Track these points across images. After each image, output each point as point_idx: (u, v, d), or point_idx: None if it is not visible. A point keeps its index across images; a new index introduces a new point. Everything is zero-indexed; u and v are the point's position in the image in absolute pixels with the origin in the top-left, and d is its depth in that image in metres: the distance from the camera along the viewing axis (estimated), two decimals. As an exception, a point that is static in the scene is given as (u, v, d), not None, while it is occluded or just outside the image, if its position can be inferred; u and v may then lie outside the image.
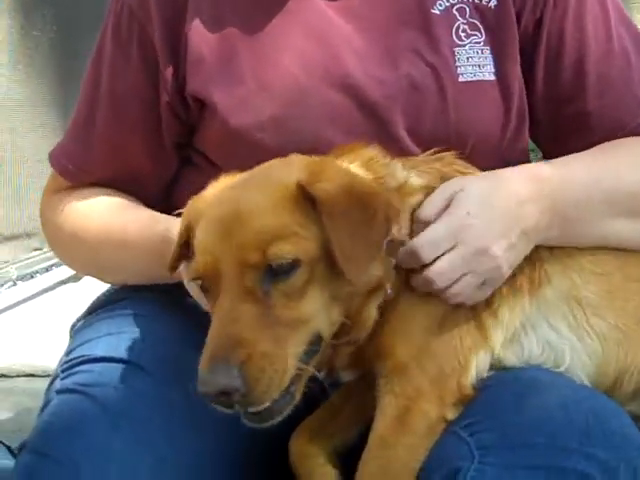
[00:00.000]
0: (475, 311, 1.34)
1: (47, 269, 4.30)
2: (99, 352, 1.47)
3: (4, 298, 3.80)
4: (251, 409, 1.16)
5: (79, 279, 4.59)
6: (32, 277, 4.14)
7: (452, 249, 1.32)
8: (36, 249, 4.20)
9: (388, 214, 1.23)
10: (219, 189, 1.32)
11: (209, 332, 1.17)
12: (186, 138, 1.62)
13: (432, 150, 1.48)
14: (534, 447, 1.22)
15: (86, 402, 1.37)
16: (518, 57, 1.57)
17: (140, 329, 1.52)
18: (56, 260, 4.35)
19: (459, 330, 1.33)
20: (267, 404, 1.16)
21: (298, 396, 1.21)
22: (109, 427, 1.32)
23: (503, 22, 1.56)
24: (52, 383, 1.50)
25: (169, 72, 1.55)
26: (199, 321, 1.51)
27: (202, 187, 1.56)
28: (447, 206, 1.35)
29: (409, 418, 1.27)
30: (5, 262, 3.87)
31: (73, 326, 1.72)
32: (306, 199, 1.20)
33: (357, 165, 1.34)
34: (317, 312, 1.21)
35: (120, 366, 1.43)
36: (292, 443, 1.40)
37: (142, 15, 1.55)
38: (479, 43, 1.55)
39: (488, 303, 1.35)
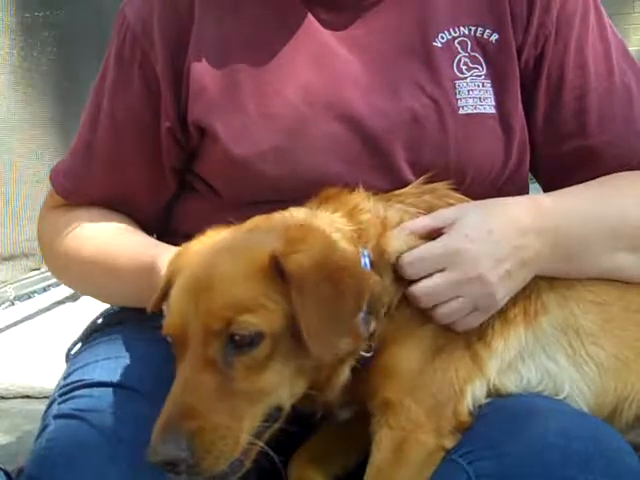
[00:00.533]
0: (469, 342, 1.34)
1: (45, 289, 4.30)
2: (97, 377, 1.46)
3: (2, 318, 3.79)
4: (197, 478, 1.16)
5: (77, 299, 4.59)
6: (30, 297, 4.14)
7: (442, 270, 1.32)
8: (34, 269, 4.19)
9: (360, 291, 1.22)
10: (202, 246, 1.31)
11: (167, 398, 1.18)
12: (185, 164, 1.62)
13: (423, 178, 1.48)
14: (532, 476, 1.21)
15: (84, 428, 1.36)
16: (519, 92, 1.58)
17: (138, 353, 1.51)
18: (54, 280, 4.35)
19: (453, 361, 1.33)
20: (215, 473, 1.16)
21: (248, 465, 1.20)
22: (107, 455, 1.32)
23: (504, 56, 1.57)
24: (49, 407, 1.49)
25: (170, 99, 1.56)
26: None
27: (203, 212, 1.60)
28: (443, 227, 1.36)
29: (406, 449, 1.27)
30: (3, 282, 3.87)
31: (69, 350, 1.71)
32: (278, 271, 1.20)
33: (340, 215, 1.35)
34: (278, 385, 1.21)
35: (118, 391, 1.42)
36: (291, 467, 1.40)
37: (145, 41, 1.57)
38: (480, 76, 1.56)
39: (481, 334, 1.35)
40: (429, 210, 1.42)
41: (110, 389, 1.43)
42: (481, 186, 1.54)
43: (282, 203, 1.51)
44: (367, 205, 1.38)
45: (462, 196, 1.48)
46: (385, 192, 1.49)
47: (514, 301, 1.37)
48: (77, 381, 1.48)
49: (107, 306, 1.74)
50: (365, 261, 1.32)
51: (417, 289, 1.31)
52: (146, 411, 1.37)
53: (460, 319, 1.33)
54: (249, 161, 1.51)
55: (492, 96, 1.56)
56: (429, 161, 1.53)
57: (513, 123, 1.56)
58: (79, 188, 1.67)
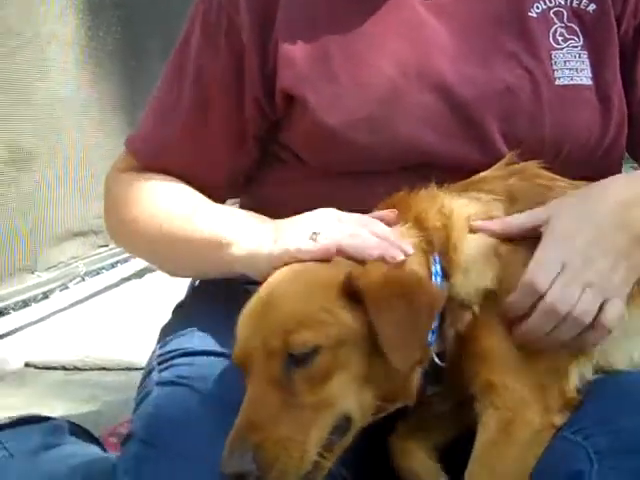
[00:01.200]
0: None
1: (112, 265, 4.38)
2: (196, 345, 1.47)
3: (73, 293, 3.87)
4: None
5: (142, 276, 4.67)
6: (98, 273, 4.21)
7: (562, 271, 1.29)
8: (102, 246, 4.26)
9: (432, 304, 1.24)
10: (270, 277, 1.32)
11: (237, 418, 1.21)
12: (268, 132, 1.61)
13: (505, 160, 1.45)
14: None
15: (191, 395, 1.37)
16: (618, 63, 1.56)
17: (235, 323, 1.48)
18: (122, 257, 4.44)
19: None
20: None
21: None
22: (214, 420, 1.31)
23: (602, 27, 1.55)
24: (149, 375, 1.50)
25: (257, 68, 1.54)
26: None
27: (289, 182, 1.59)
28: (536, 227, 1.34)
29: (513, 429, 1.25)
30: (74, 258, 3.93)
31: (173, 312, 1.71)
32: (349, 290, 1.22)
33: (408, 225, 1.35)
34: (342, 395, 1.21)
35: (220, 360, 1.43)
36: (392, 441, 1.41)
37: (231, 8, 1.56)
38: (576, 47, 1.55)
39: None
40: (510, 196, 1.39)
41: (212, 358, 1.44)
42: (577, 161, 1.52)
43: (371, 174, 1.53)
44: (433, 207, 1.36)
45: (554, 175, 1.45)
46: (480, 165, 1.47)
47: None
48: (176, 350, 1.49)
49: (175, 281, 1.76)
50: (436, 268, 1.32)
51: (550, 296, 1.28)
52: None
53: (594, 313, 1.28)
54: (341, 130, 1.50)
55: (589, 67, 1.54)
56: (523, 133, 1.51)
57: (611, 95, 1.54)
58: (158, 154, 1.63)
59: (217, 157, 1.62)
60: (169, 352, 1.50)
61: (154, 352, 1.58)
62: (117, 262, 4.42)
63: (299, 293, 1.24)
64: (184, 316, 1.63)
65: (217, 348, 1.46)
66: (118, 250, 4.41)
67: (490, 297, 1.31)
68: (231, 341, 1.42)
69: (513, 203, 1.39)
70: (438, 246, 1.33)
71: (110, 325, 3.68)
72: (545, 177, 1.44)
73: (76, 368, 3.12)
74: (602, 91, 1.54)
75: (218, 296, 1.61)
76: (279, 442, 1.15)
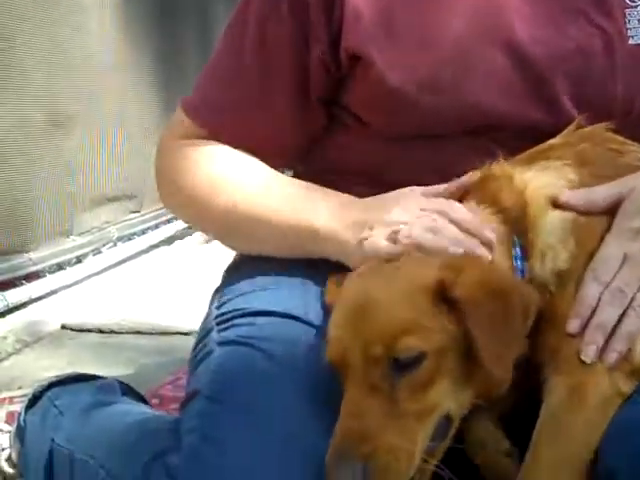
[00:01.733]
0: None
1: (143, 232, 4.40)
2: (257, 305, 1.46)
3: (106, 258, 3.90)
4: None
5: (171, 243, 4.71)
6: (130, 239, 4.24)
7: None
8: (133, 211, 4.29)
9: (527, 308, 1.23)
10: (357, 275, 1.32)
11: (337, 425, 1.18)
12: (332, 94, 1.58)
13: (573, 126, 1.43)
14: None
15: (256, 354, 1.36)
16: None
17: (297, 284, 1.51)
18: (152, 223, 4.47)
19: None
20: None
21: None
22: (281, 379, 1.31)
23: None
24: (207, 335, 1.49)
25: (322, 25, 1.51)
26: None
27: (351, 147, 1.57)
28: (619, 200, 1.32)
29: (582, 393, 1.24)
30: (107, 222, 3.95)
31: (225, 273, 1.70)
32: (442, 296, 1.20)
33: (484, 207, 1.33)
34: (444, 400, 1.20)
35: (283, 320, 1.42)
36: None
37: None
38: None
39: None
40: (580, 161, 1.38)
41: (274, 318, 1.43)
42: None
43: (436, 138, 1.51)
44: (506, 183, 1.35)
45: (624, 139, 1.43)
46: (548, 127, 1.46)
47: None
48: (235, 310, 1.48)
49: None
50: (517, 251, 1.32)
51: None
52: (315, 341, 1.38)
53: None
54: (405, 90, 1.47)
55: None
56: (593, 94, 1.50)
57: None
58: (222, 117, 1.59)
59: (283, 124, 1.60)
60: (228, 312, 1.49)
61: (210, 313, 1.58)
62: (148, 228, 4.44)
63: (398, 298, 1.21)
64: (240, 277, 1.61)
65: (277, 308, 1.45)
66: (149, 216, 4.44)
67: (565, 274, 1.31)
68: (291, 301, 1.45)
69: (584, 168, 1.37)
70: (516, 226, 1.32)
71: (142, 290, 3.72)
72: (615, 141, 1.43)
73: (112, 331, 3.15)
74: None
75: (279, 259, 1.59)
76: (390, 452, 1.13)
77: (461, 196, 1.39)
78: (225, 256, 1.78)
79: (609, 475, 1.18)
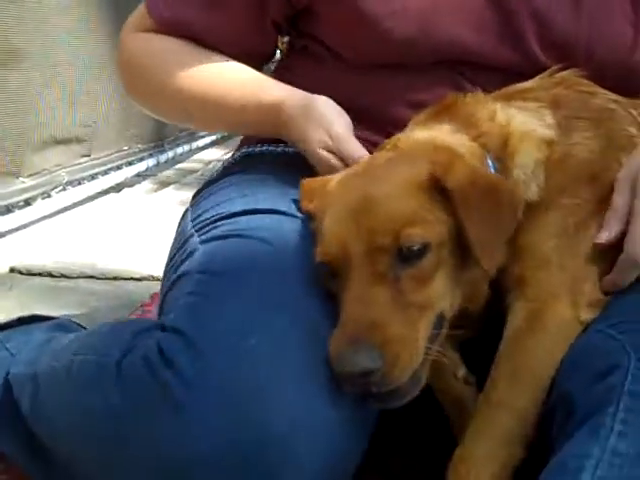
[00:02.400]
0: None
1: (93, 177, 4.31)
2: (239, 207, 1.43)
3: (55, 202, 3.81)
4: (386, 389, 1.15)
5: (120, 190, 4.62)
6: (80, 183, 4.15)
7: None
8: (84, 155, 4.19)
9: (514, 202, 1.25)
10: (345, 178, 1.32)
11: (342, 314, 1.18)
12: (288, 22, 1.61)
13: (548, 72, 1.46)
14: None
15: (246, 240, 1.32)
16: None
17: (277, 190, 1.48)
18: (102, 168, 4.38)
19: (587, 240, 1.32)
20: (400, 384, 1.16)
21: (424, 379, 1.22)
22: (278, 256, 1.29)
23: None
24: (186, 243, 1.44)
25: None
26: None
27: (322, 77, 1.57)
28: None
29: (542, 318, 1.27)
30: (57, 165, 3.85)
31: (194, 196, 1.68)
32: (436, 189, 1.21)
33: (461, 131, 1.34)
34: (443, 294, 1.23)
35: (268, 215, 1.40)
36: None
37: None
38: None
39: None
40: (554, 103, 1.40)
41: (259, 215, 1.40)
42: (607, 69, 1.51)
43: (407, 68, 1.51)
44: (485, 112, 1.37)
45: (592, 83, 1.46)
46: (513, 65, 1.49)
47: None
48: (215, 215, 1.45)
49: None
50: (491, 171, 1.32)
51: None
52: (304, 230, 1.36)
53: None
54: (377, 19, 1.47)
55: None
56: (558, 36, 1.50)
57: None
58: (178, 19, 1.61)
59: (234, 30, 1.60)
60: (207, 218, 1.46)
61: (184, 226, 1.53)
62: (97, 174, 4.35)
63: (398, 192, 1.22)
64: (216, 190, 1.59)
65: (260, 206, 1.42)
66: (99, 161, 4.34)
67: (533, 206, 1.32)
68: (273, 200, 1.42)
69: (559, 110, 1.40)
70: (494, 152, 1.34)
71: (92, 236, 3.64)
72: (586, 85, 1.45)
73: (63, 275, 3.07)
74: (637, 3, 1.53)
75: (255, 171, 1.59)
76: (400, 341, 1.14)
77: (440, 116, 1.39)
78: (173, 204, 1.74)
79: (564, 397, 1.19)
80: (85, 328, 1.86)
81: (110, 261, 3.25)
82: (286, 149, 1.60)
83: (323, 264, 1.24)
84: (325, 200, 1.29)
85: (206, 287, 1.25)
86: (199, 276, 1.29)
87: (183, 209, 1.71)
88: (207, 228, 1.42)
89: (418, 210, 1.20)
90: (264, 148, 1.65)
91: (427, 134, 1.35)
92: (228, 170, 1.67)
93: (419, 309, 1.19)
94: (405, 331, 1.16)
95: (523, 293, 1.30)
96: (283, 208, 1.42)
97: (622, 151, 1.38)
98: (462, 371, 1.39)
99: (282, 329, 1.18)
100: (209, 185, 1.65)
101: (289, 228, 1.37)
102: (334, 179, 1.33)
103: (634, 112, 1.44)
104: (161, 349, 1.16)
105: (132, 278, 3.05)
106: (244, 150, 1.70)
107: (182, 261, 1.40)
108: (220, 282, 1.24)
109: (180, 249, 1.46)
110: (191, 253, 1.38)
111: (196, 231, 1.44)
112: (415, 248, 1.18)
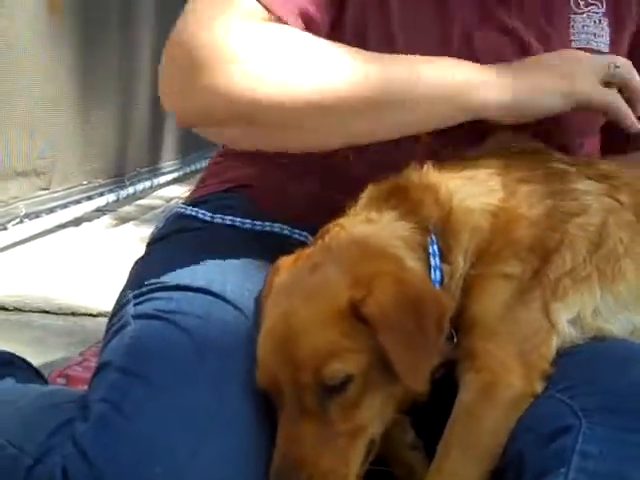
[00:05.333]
0: (544, 294, 1.32)
1: (51, 210, 4.27)
2: (176, 280, 1.43)
3: (12, 234, 3.75)
4: None
5: (79, 224, 4.58)
6: (37, 216, 4.10)
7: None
8: (43, 188, 4.14)
9: (441, 316, 1.24)
10: (280, 282, 1.31)
11: (274, 450, 1.19)
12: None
13: (495, 136, 1.47)
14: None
15: (170, 328, 1.33)
16: (630, 36, 1.60)
17: (217, 260, 1.48)
18: (61, 202, 4.34)
19: (533, 311, 1.31)
20: None
21: None
22: (197, 356, 1.29)
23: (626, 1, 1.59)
24: (123, 308, 1.45)
25: None
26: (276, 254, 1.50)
27: None
28: None
29: (494, 391, 1.26)
30: (15, 198, 3.80)
31: (148, 244, 1.66)
32: (355, 315, 1.20)
33: (399, 215, 1.33)
34: (374, 417, 1.23)
35: (200, 295, 1.39)
36: None
37: None
38: (597, 13, 1.57)
39: (554, 288, 1.32)
40: (505, 169, 1.39)
41: (191, 293, 1.40)
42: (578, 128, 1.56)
43: None
44: (429, 193, 1.35)
45: (545, 147, 1.48)
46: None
47: (588, 258, 1.35)
48: (154, 283, 1.44)
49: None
50: (434, 249, 1.32)
51: None
52: (231, 317, 1.37)
53: None
54: None
55: (607, 35, 1.57)
56: None
57: None
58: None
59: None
60: (146, 285, 1.45)
61: (128, 285, 1.53)
62: (56, 207, 4.31)
63: (317, 320, 1.21)
64: (161, 250, 1.58)
65: (195, 283, 1.42)
66: (58, 194, 4.30)
67: (477, 278, 1.32)
68: (210, 276, 1.42)
69: (507, 174, 1.39)
70: (436, 229, 1.33)
71: (48, 270, 3.59)
72: (541, 149, 1.48)
73: (17, 309, 3.02)
74: None
75: (199, 232, 1.58)
76: (326, 475, 1.16)
77: (384, 199, 1.36)
78: (132, 241, 1.72)
79: (516, 457, 1.21)
80: (31, 365, 1.85)
81: (66, 296, 3.21)
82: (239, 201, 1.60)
83: (261, 390, 1.25)
84: (264, 309, 1.31)
85: (121, 396, 1.25)
86: (117, 376, 1.29)
87: (143, 246, 1.70)
88: (143, 298, 1.43)
89: (339, 340, 1.19)
90: (227, 196, 1.63)
91: (363, 230, 1.33)
92: (181, 224, 1.64)
93: (349, 438, 1.19)
94: (335, 464, 1.17)
95: (473, 365, 1.28)
96: (216, 288, 1.41)
97: (571, 216, 1.37)
98: (410, 437, 1.39)
99: (187, 456, 1.18)
100: (161, 238, 1.63)
101: (216, 318, 1.36)
102: (274, 287, 1.32)
103: (590, 173, 1.43)
104: (66, 471, 1.19)
105: (88, 314, 3.01)
106: (203, 196, 1.68)
107: (116, 332, 1.40)
108: (135, 391, 1.25)
109: (119, 311, 1.46)
110: (124, 326, 1.39)
111: (134, 297, 1.44)
112: (337, 383, 1.18)
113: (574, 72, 1.45)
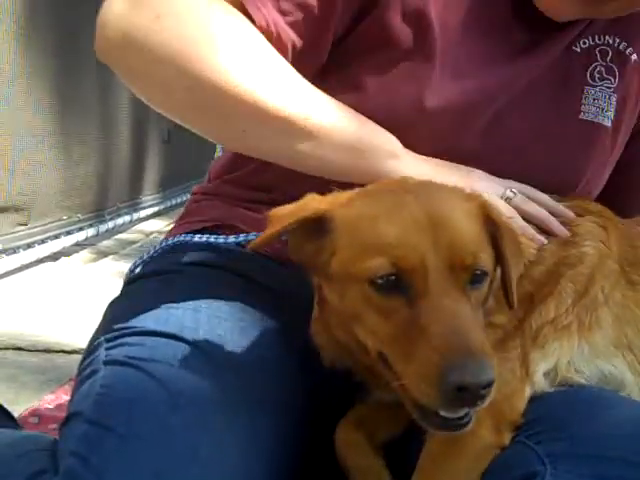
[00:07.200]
0: (524, 343, 1.34)
1: (29, 245, 4.26)
2: (148, 325, 1.42)
3: (-12, 270, 3.75)
4: (483, 403, 1.11)
5: (57, 259, 4.56)
6: (15, 252, 4.09)
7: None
8: (21, 224, 4.14)
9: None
10: (373, 194, 1.27)
11: (431, 325, 1.11)
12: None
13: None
14: (606, 460, 1.19)
15: (141, 377, 1.32)
16: (635, 115, 1.67)
17: (190, 305, 1.48)
18: (38, 237, 4.33)
19: (509, 361, 1.32)
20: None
21: None
22: (169, 405, 1.27)
23: (637, 78, 1.64)
24: (95, 351, 1.44)
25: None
26: (252, 300, 1.52)
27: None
28: None
29: (463, 442, 1.25)
30: (-8, 233, 3.80)
31: (125, 283, 1.66)
32: (484, 220, 1.23)
33: None
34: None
35: (172, 342, 1.39)
36: (338, 431, 1.40)
37: None
38: (610, 88, 1.61)
39: (535, 336, 1.35)
40: None
41: (163, 339, 1.39)
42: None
43: None
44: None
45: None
46: None
47: (571, 308, 1.37)
48: (126, 327, 1.44)
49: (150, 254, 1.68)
50: None
51: None
52: (201, 365, 1.36)
53: None
54: None
55: (613, 110, 1.62)
56: None
57: (620, 141, 1.65)
58: None
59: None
60: (119, 329, 1.45)
61: (101, 326, 1.52)
62: (34, 242, 4.30)
63: (465, 216, 1.21)
64: (136, 293, 1.57)
65: (167, 329, 1.41)
66: (37, 230, 4.29)
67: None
68: (183, 321, 1.42)
69: None
70: None
71: (24, 306, 3.58)
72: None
73: (-9, 347, 3.01)
74: (615, 136, 1.64)
75: (174, 275, 1.58)
76: (491, 355, 1.11)
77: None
78: (110, 276, 1.72)
79: None
80: (1, 406, 1.83)
81: (41, 332, 3.19)
82: (226, 240, 1.60)
83: (387, 275, 1.16)
84: (353, 212, 1.23)
85: (89, 449, 1.23)
86: (86, 428, 1.27)
87: (121, 280, 1.70)
88: (115, 342, 1.42)
89: (483, 238, 1.21)
90: (203, 239, 1.63)
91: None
92: (157, 264, 1.65)
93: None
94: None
95: None
96: (189, 335, 1.40)
97: (568, 268, 1.39)
98: (386, 477, 1.38)
99: None
100: (138, 278, 1.63)
101: (189, 365, 1.35)
102: (341, 197, 1.27)
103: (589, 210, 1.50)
104: None
105: (62, 351, 2.99)
106: (178, 239, 1.67)
107: (86, 377, 1.39)
108: (104, 444, 1.23)
109: (91, 355, 1.45)
110: (94, 372, 1.37)
111: (106, 341, 1.43)
112: (483, 272, 1.18)
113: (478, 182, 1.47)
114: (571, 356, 1.35)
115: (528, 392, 1.31)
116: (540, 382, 1.33)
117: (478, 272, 1.17)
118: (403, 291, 1.15)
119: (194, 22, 1.37)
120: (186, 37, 1.36)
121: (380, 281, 1.16)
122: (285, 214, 1.26)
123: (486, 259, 1.19)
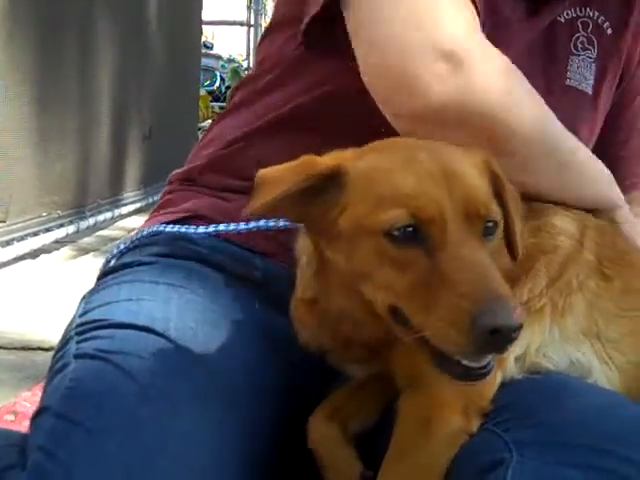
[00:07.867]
0: None
1: (8, 243, 4.23)
2: (119, 317, 1.41)
3: (-34, 268, 3.72)
4: (509, 347, 1.10)
5: (37, 257, 4.54)
6: (-7, 249, 4.08)
7: None
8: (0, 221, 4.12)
9: None
10: (384, 149, 1.26)
11: (465, 273, 1.11)
12: None
13: None
14: (572, 446, 1.18)
15: (110, 370, 1.31)
16: (613, 88, 1.73)
17: (161, 297, 1.47)
18: (18, 234, 4.30)
19: None
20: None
21: None
22: (139, 397, 1.26)
23: (614, 49, 1.72)
24: (66, 345, 1.43)
25: None
26: (223, 290, 1.51)
27: None
28: None
29: (432, 426, 1.25)
30: (-31, 231, 3.77)
31: (98, 278, 1.64)
32: (491, 176, 1.24)
33: None
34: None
35: (143, 334, 1.38)
36: (311, 422, 1.39)
37: None
38: (590, 58, 1.69)
39: None
40: None
41: (134, 331, 1.38)
42: None
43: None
44: None
45: None
46: None
47: (545, 290, 1.36)
48: (97, 320, 1.43)
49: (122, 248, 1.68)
50: None
51: None
52: (172, 357, 1.35)
53: None
54: None
55: (592, 79, 1.69)
56: None
57: (602, 108, 1.71)
58: None
59: None
60: (90, 322, 1.44)
61: (73, 320, 1.51)
62: (13, 240, 4.28)
63: (473, 169, 1.22)
64: (109, 285, 1.56)
65: (139, 321, 1.40)
66: (16, 227, 4.27)
67: None
68: (155, 313, 1.41)
69: None
70: None
71: (2, 304, 3.56)
72: None
73: (-34, 344, 2.99)
74: (595, 104, 1.70)
75: (145, 266, 1.56)
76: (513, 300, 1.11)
77: None
78: (91, 273, 1.69)
79: None
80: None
81: (19, 330, 3.18)
82: (197, 231, 1.59)
83: (405, 226, 1.15)
84: (367, 165, 1.22)
85: (57, 443, 1.22)
86: (54, 422, 1.26)
87: (102, 278, 1.68)
88: (86, 335, 1.41)
89: (490, 190, 1.22)
90: (175, 230, 1.62)
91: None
92: (129, 256, 1.63)
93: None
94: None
95: (414, 395, 1.28)
96: (159, 326, 1.39)
97: (541, 253, 1.38)
98: (359, 467, 1.37)
99: None
100: (111, 272, 1.61)
101: (159, 358, 1.34)
102: (346, 154, 1.24)
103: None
104: None
105: (40, 348, 2.98)
106: (150, 230, 1.66)
107: (57, 371, 1.38)
108: (71, 439, 1.22)
109: (62, 349, 1.44)
110: (65, 366, 1.36)
111: (76, 334, 1.42)
112: (495, 223, 1.19)
113: None
114: (542, 341, 1.35)
115: (499, 378, 1.30)
116: (511, 367, 1.32)
117: (490, 223, 1.18)
118: (421, 242, 1.14)
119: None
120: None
121: (397, 233, 1.14)
122: (281, 175, 1.22)
123: (496, 210, 1.20)
